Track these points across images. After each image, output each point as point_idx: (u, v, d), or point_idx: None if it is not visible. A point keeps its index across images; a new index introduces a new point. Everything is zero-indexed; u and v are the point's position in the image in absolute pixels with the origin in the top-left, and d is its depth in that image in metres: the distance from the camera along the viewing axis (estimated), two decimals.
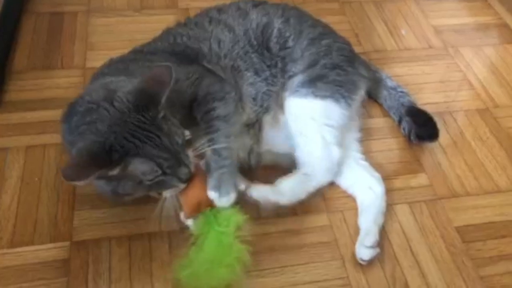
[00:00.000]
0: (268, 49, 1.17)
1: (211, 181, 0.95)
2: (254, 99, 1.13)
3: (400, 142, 1.28)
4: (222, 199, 0.95)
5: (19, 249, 1.02)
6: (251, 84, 1.14)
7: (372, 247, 1.03)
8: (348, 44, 1.25)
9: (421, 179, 1.21)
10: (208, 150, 0.97)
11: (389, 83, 1.32)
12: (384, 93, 1.32)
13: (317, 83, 1.13)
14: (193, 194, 0.96)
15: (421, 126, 1.24)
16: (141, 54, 1.13)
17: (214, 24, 1.17)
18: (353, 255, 1.05)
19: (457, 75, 1.48)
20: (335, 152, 1.11)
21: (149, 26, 1.49)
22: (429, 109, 1.35)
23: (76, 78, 1.36)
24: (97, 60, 1.39)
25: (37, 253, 1.02)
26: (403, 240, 1.09)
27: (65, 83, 1.35)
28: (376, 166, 1.20)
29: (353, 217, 1.12)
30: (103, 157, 0.85)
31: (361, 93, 1.20)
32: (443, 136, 1.30)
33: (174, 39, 1.15)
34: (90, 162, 0.84)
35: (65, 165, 0.87)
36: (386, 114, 1.34)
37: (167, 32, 1.19)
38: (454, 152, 1.27)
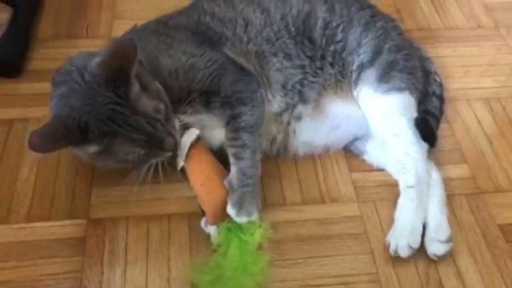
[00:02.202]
0: (311, 40, 1.09)
1: (233, 198, 0.92)
2: (284, 86, 1.07)
3: (442, 129, 1.18)
4: (241, 218, 0.91)
5: (36, 224, 0.99)
6: (279, 70, 1.07)
7: (446, 241, 0.96)
8: (395, 20, 1.18)
9: (462, 170, 1.12)
10: (232, 169, 0.95)
11: (428, 66, 1.22)
12: None
13: (391, 73, 1.07)
14: (217, 198, 0.92)
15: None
16: (163, 27, 1.07)
17: (246, 2, 1.10)
18: (384, 249, 0.98)
19: (508, 58, 1.36)
20: (424, 145, 1.06)
21: None
22: (475, 94, 1.26)
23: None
24: (123, 30, 1.33)
25: (53, 229, 0.99)
26: None
27: None
28: None
29: (386, 209, 1.04)
30: (77, 134, 0.84)
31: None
32: (489, 125, 1.20)
33: (198, 17, 1.09)
34: (61, 135, 0.84)
35: (33, 132, 0.84)
36: None
37: (194, 7, 1.12)
38: (501, 143, 1.17)
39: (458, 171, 1.12)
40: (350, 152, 1.13)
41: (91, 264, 0.94)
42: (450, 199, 1.06)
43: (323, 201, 1.05)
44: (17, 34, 1.29)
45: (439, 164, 1.11)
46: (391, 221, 1.01)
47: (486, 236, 1.01)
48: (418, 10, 1.47)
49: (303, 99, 1.08)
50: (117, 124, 0.85)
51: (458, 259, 0.98)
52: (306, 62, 1.08)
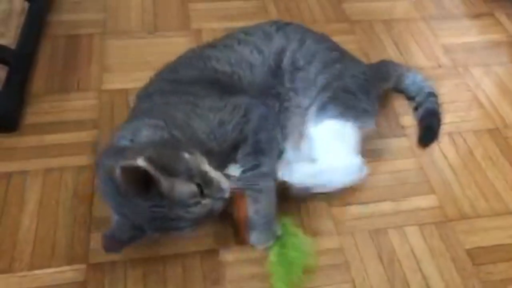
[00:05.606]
0: (280, 69, 1.17)
1: (254, 233, 1.04)
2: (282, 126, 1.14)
3: (410, 163, 1.30)
4: (262, 246, 1.06)
5: (38, 271, 1.05)
6: (278, 111, 1.15)
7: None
8: (363, 72, 1.25)
9: (431, 200, 1.22)
10: (250, 209, 1.02)
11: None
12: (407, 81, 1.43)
13: (328, 105, 1.15)
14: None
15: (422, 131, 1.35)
16: (179, 85, 1.11)
17: (243, 45, 1.18)
18: (364, 278, 1.07)
19: (466, 94, 1.49)
20: (356, 159, 1.15)
21: (163, 48, 1.54)
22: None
23: (92, 101, 1.39)
24: (113, 82, 1.44)
25: (54, 275, 1.05)
26: (413, 262, 1.10)
27: (82, 106, 1.38)
28: (386, 187, 1.23)
29: (364, 240, 1.13)
30: (137, 231, 0.95)
31: (369, 125, 1.22)
32: (453, 157, 1.31)
33: (204, 65, 1.14)
34: (125, 235, 0.95)
35: (104, 236, 0.95)
36: (395, 134, 1.35)
37: (195, 56, 1.18)
38: (464, 173, 1.28)
39: (427, 201, 1.22)
40: None
41: None
42: (421, 228, 1.16)
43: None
44: (13, 91, 1.36)
45: (409, 195, 1.22)
46: (368, 250, 1.11)
47: (455, 260, 1.11)
48: (384, 53, 1.60)
49: (285, 135, 1.13)
50: (161, 223, 0.92)
51: (431, 284, 1.07)
52: (279, 91, 1.15)
